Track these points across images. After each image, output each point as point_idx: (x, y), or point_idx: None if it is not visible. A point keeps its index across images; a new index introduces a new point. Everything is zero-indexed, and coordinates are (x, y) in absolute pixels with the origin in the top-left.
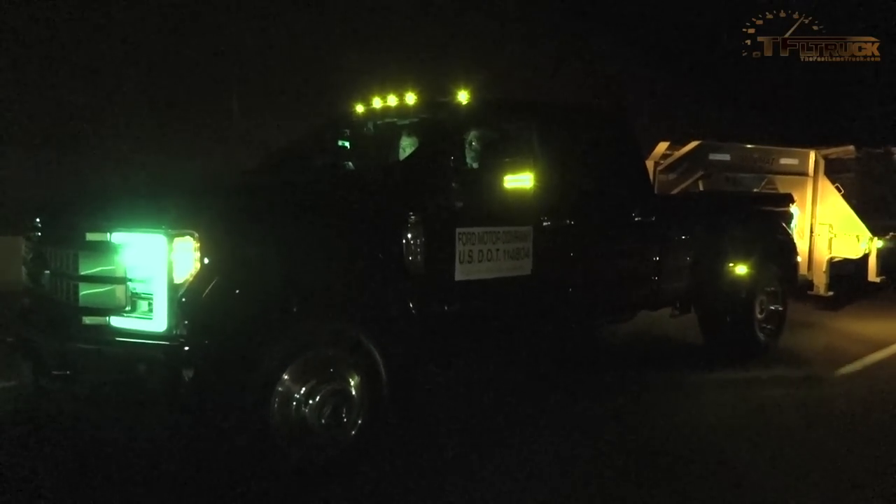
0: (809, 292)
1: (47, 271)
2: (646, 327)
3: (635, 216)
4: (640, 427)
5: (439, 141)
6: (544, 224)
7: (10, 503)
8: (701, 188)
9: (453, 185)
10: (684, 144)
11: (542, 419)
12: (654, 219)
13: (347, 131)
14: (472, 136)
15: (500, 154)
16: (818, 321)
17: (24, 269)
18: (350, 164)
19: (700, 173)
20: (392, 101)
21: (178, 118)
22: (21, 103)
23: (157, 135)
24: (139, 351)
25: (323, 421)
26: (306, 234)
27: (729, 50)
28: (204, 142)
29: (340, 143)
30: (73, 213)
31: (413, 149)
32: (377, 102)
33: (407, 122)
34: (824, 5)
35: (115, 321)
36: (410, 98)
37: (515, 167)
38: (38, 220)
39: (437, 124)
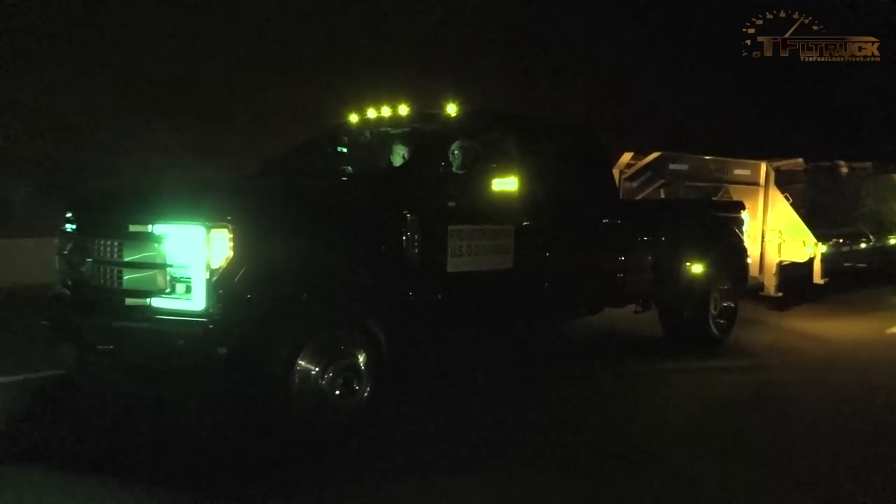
0: (760, 293)
1: (89, 259)
2: (610, 323)
3: (603, 219)
4: (607, 408)
5: (433, 148)
6: (524, 224)
7: (60, 467)
8: (662, 196)
9: (445, 187)
10: (647, 154)
11: (513, 399)
12: (619, 222)
13: (346, 138)
14: (460, 144)
15: (485, 160)
16: (767, 319)
17: (58, 259)
18: (349, 168)
19: (661, 182)
20: (386, 111)
21: (181, 122)
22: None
23: (159, 137)
24: (179, 328)
25: (337, 391)
26: (322, 229)
27: (729, 50)
28: (206, 146)
29: (339, 149)
30: (116, 207)
31: (406, 155)
32: (372, 113)
33: (400, 131)
34: (824, 5)
35: (156, 302)
36: (403, 109)
37: (499, 172)
38: (73, 214)
39: (429, 134)
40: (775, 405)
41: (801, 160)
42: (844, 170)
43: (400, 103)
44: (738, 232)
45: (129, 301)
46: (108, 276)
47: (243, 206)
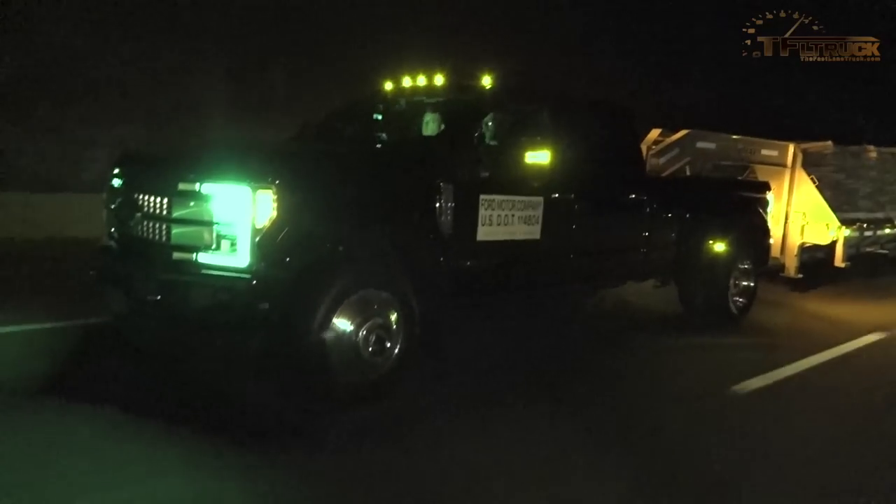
0: (781, 274)
1: (138, 214)
2: (628, 297)
3: (630, 195)
4: (628, 382)
5: (468, 119)
6: (553, 196)
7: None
8: (688, 173)
9: (479, 157)
10: (675, 132)
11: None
12: (646, 198)
13: (381, 106)
14: (494, 116)
15: (518, 133)
16: (786, 300)
17: (105, 212)
18: (384, 135)
19: (687, 159)
20: (421, 81)
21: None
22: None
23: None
24: (223, 282)
25: (370, 349)
26: (360, 193)
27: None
28: (245, 109)
29: (375, 116)
30: (167, 166)
31: (440, 125)
32: (408, 81)
33: (435, 100)
34: (824, 5)
35: (202, 257)
36: (439, 79)
37: (531, 145)
38: (122, 170)
39: (465, 104)
40: (789, 384)
41: (829, 143)
42: (873, 154)
43: (436, 73)
44: (762, 212)
45: (177, 255)
46: (157, 230)
47: (288, 168)
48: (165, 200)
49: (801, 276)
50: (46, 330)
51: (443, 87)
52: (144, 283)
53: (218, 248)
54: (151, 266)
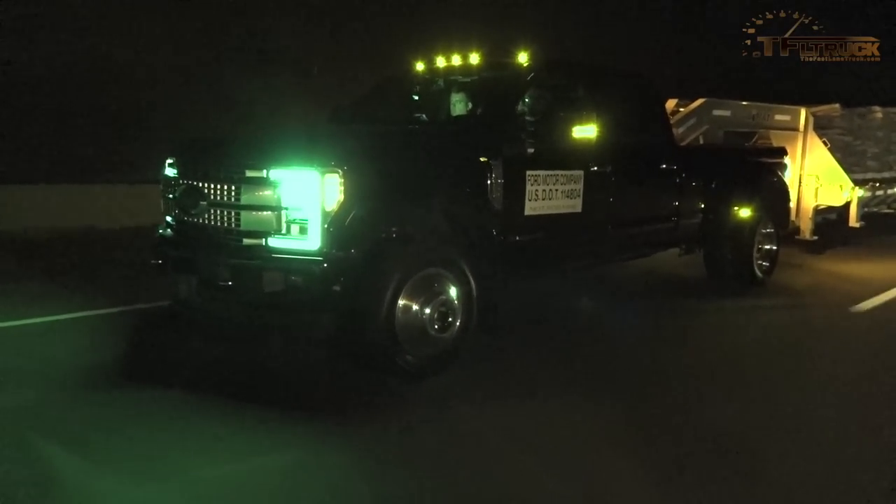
0: (796, 237)
1: (203, 202)
2: (649, 265)
3: (662, 165)
4: (676, 339)
5: (512, 96)
6: (592, 169)
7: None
8: (701, 141)
9: (524, 134)
10: (691, 101)
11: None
12: (675, 167)
13: (418, 86)
14: (534, 92)
15: (557, 108)
16: (804, 262)
17: (163, 202)
18: (423, 115)
19: (705, 127)
20: (456, 60)
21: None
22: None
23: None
24: (296, 265)
25: (435, 325)
26: (421, 174)
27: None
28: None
29: (412, 96)
30: (231, 154)
31: (481, 103)
32: (441, 61)
33: (471, 79)
34: (824, 5)
35: (272, 242)
36: (474, 58)
37: (570, 120)
38: (178, 159)
39: (507, 81)
40: (823, 338)
41: (837, 105)
42: (879, 115)
43: (470, 51)
44: (781, 177)
45: (247, 241)
46: (225, 217)
47: (354, 152)
48: (233, 188)
49: (816, 237)
50: (113, 314)
51: (480, 64)
52: (215, 269)
53: (288, 232)
54: (221, 252)
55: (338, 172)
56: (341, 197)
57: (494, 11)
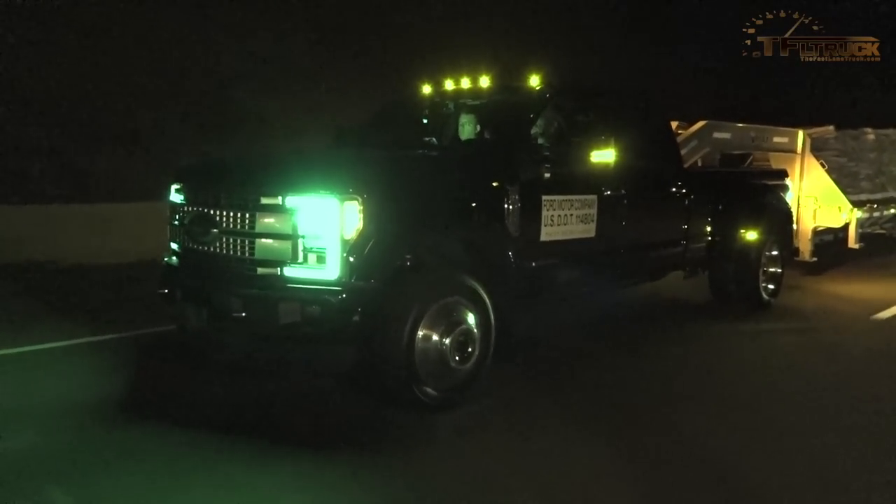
0: (795, 258)
1: (214, 230)
2: (652, 289)
3: (671, 188)
4: (686, 366)
5: (526, 120)
6: (605, 194)
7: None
8: (699, 164)
9: (540, 158)
10: (692, 123)
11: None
12: (685, 190)
13: (426, 110)
14: (546, 116)
15: (570, 132)
16: (805, 284)
17: (169, 228)
18: (433, 139)
19: (706, 150)
20: (466, 83)
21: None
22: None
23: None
24: (314, 295)
25: (456, 356)
26: (440, 199)
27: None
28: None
29: (422, 120)
30: (244, 179)
31: (483, 127)
32: (450, 84)
33: (480, 103)
34: (824, 5)
35: (288, 271)
36: (485, 81)
37: (584, 143)
38: (185, 184)
39: (522, 105)
40: (851, 363)
41: (831, 127)
42: (871, 136)
43: (480, 74)
44: (785, 199)
45: (261, 270)
46: (237, 245)
47: (372, 179)
48: (247, 215)
49: (815, 259)
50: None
51: (491, 87)
52: (227, 299)
53: (305, 261)
54: (234, 282)
55: (357, 199)
56: (360, 225)
57: (493, 33)
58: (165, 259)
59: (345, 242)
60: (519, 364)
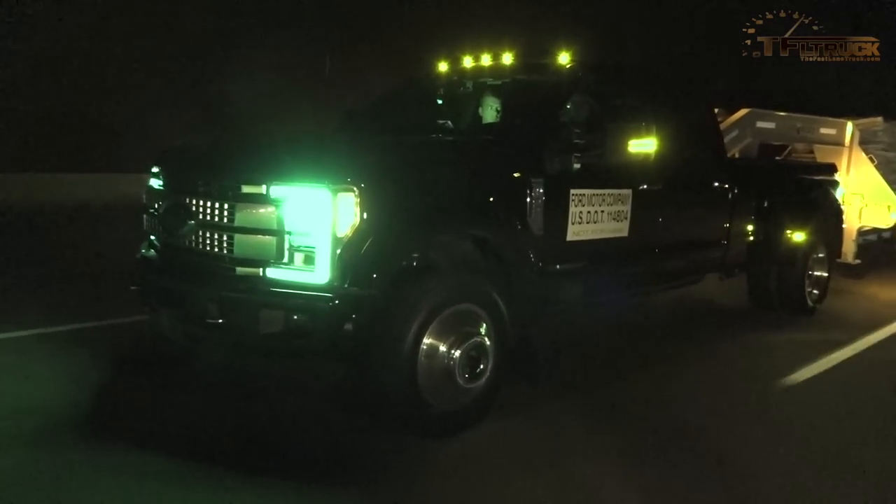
0: (837, 260)
1: (191, 222)
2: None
3: (714, 182)
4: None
5: (555, 103)
6: (641, 188)
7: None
8: (737, 155)
9: (569, 147)
10: (733, 111)
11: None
12: (728, 185)
13: (441, 90)
14: (578, 99)
15: (604, 118)
16: (849, 288)
17: (146, 218)
18: (448, 123)
19: (748, 140)
20: (486, 60)
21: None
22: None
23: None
24: (299, 301)
25: (465, 373)
26: (451, 192)
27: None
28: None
29: (437, 101)
30: (226, 165)
31: (513, 110)
32: (468, 62)
33: (502, 82)
34: (824, 5)
35: (271, 273)
36: (508, 58)
37: (619, 131)
38: (166, 169)
39: (550, 86)
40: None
41: (879, 119)
42: None
43: (503, 51)
44: (835, 196)
45: (241, 270)
46: (216, 240)
47: (372, 167)
48: (226, 205)
49: (858, 261)
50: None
51: (515, 66)
52: (202, 302)
53: (291, 261)
54: (210, 283)
55: (353, 191)
56: (356, 220)
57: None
58: (143, 251)
59: (337, 240)
60: (537, 382)
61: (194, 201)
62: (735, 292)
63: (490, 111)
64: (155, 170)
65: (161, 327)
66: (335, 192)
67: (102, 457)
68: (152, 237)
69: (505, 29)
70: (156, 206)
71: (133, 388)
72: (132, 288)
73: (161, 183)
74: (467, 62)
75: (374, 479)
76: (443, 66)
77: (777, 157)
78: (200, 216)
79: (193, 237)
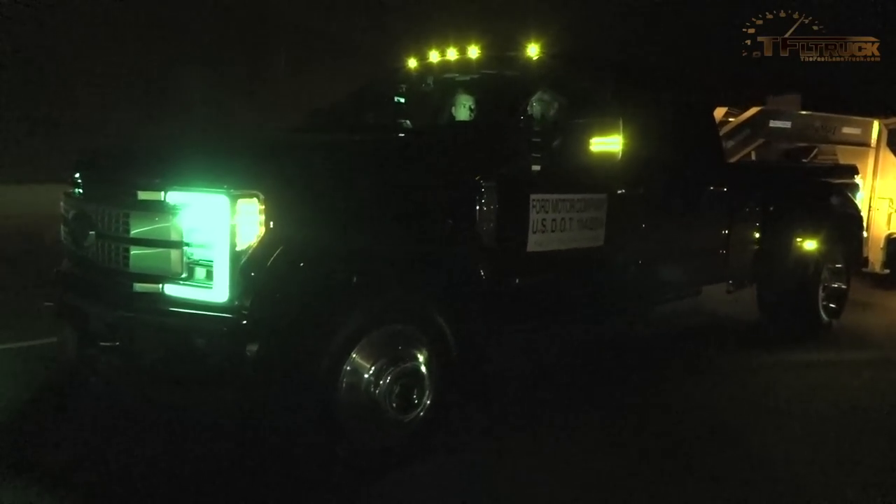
0: (863, 269)
1: (92, 232)
2: (690, 306)
3: (709, 186)
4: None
5: (513, 99)
6: (619, 192)
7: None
8: (753, 158)
9: (527, 147)
10: (744, 110)
11: (590, 410)
12: (725, 189)
13: (404, 87)
14: (543, 95)
15: (574, 115)
16: (875, 300)
17: (62, 228)
18: (408, 121)
19: (760, 141)
20: (452, 54)
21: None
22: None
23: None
24: (197, 323)
25: (394, 404)
26: (377, 198)
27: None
28: (248, 98)
29: (397, 99)
30: (124, 168)
31: (476, 107)
32: (435, 56)
33: (469, 78)
34: (824, 5)
35: (170, 289)
36: (473, 52)
37: (591, 130)
38: (80, 174)
39: (508, 81)
40: None
41: None
42: None
43: (469, 45)
44: (853, 201)
45: (138, 287)
46: (114, 253)
47: (279, 170)
48: (122, 213)
49: (887, 271)
50: None
51: (478, 60)
52: (100, 323)
53: (190, 276)
54: (107, 301)
55: (256, 197)
56: (261, 230)
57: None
58: (62, 265)
59: (238, 253)
60: (497, 409)
61: (95, 209)
62: (744, 304)
63: (455, 108)
64: (74, 175)
65: (65, 349)
66: (234, 198)
67: None
68: (68, 249)
69: (491, 26)
70: (68, 215)
71: (32, 418)
72: (46, 304)
73: (74, 190)
74: (431, 57)
75: None
76: (409, 63)
77: (804, 160)
78: (99, 225)
79: (94, 249)
